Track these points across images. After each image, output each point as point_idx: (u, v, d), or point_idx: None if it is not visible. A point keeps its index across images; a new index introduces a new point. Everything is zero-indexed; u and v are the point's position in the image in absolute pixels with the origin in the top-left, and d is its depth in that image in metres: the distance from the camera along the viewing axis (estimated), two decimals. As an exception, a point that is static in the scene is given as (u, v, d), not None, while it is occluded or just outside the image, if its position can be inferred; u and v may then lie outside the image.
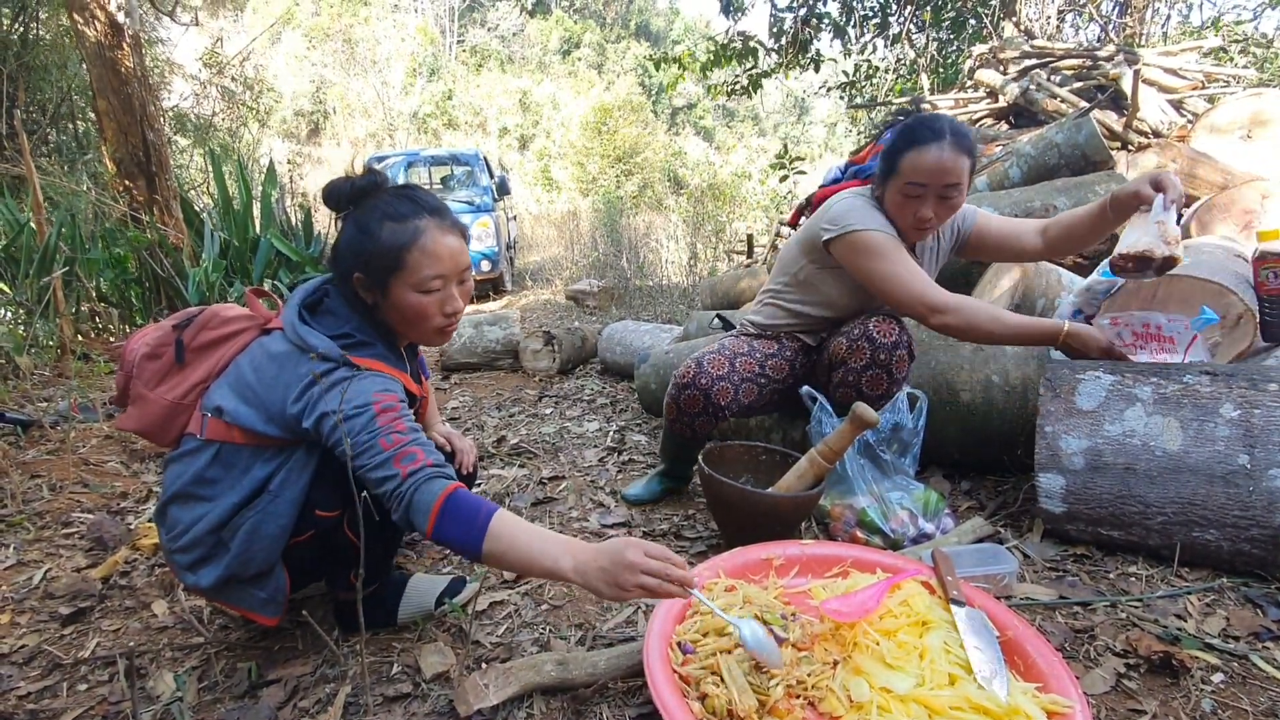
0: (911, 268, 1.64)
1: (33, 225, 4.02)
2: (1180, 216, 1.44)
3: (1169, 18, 7.41)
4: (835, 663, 1.10)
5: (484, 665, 1.27)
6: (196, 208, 5.66)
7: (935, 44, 8.21)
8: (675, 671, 1.09)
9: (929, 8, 7.85)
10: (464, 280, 1.28)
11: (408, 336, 1.33)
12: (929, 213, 1.62)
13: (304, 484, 1.19)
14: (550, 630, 1.39)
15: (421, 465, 1.10)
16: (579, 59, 31.20)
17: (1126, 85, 3.83)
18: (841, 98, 9.45)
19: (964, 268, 2.58)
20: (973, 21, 7.68)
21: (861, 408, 1.52)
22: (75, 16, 4.57)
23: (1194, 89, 4.17)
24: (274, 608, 1.23)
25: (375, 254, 1.19)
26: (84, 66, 5.50)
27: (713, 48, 8.01)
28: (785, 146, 7.72)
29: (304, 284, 1.32)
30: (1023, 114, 4.75)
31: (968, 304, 1.61)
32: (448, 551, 1.76)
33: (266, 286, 4.88)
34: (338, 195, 1.25)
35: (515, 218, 11.03)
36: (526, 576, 1.56)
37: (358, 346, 1.22)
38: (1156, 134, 3.62)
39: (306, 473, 1.19)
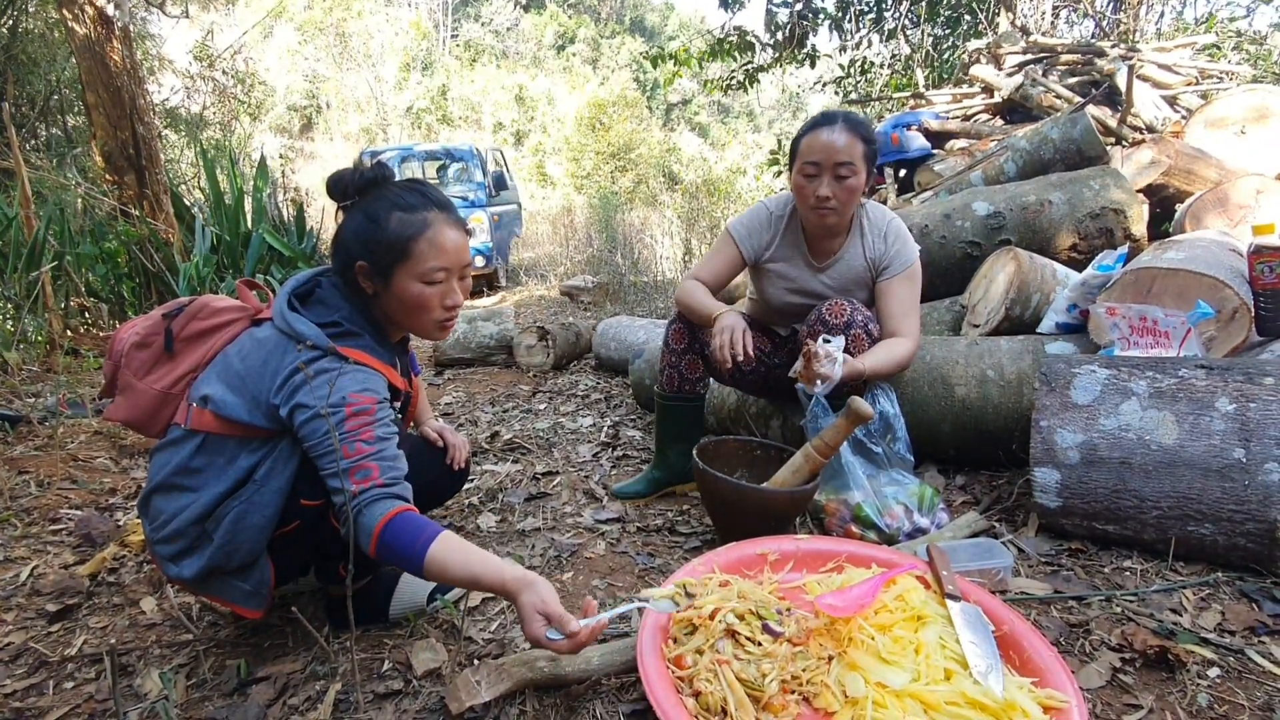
0: (712, 260, 1.96)
1: (21, 220, 3.98)
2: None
3: (1163, 14, 7.42)
4: (830, 658, 1.09)
5: (476, 662, 1.26)
6: (187, 202, 5.61)
7: (930, 39, 8.21)
8: (669, 667, 1.08)
9: (924, 3, 7.84)
10: (464, 276, 1.29)
11: (405, 329, 1.33)
12: (826, 191, 1.72)
13: (289, 474, 1.17)
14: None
15: (371, 485, 1.08)
16: (573, 54, 31.11)
17: (1121, 81, 3.82)
18: (837, 93, 9.45)
19: (959, 260, 2.58)
20: (968, 17, 7.68)
21: (856, 402, 1.52)
22: (64, 10, 4.52)
23: (1188, 85, 4.17)
24: (258, 600, 1.22)
25: (383, 243, 1.20)
26: (73, 60, 5.44)
27: (709, 42, 7.99)
28: (779, 143, 7.72)
29: (298, 274, 1.31)
30: (1018, 109, 4.75)
31: (684, 284, 1.93)
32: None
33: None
34: (343, 185, 1.25)
35: (521, 206, 10.64)
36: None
37: (345, 336, 1.20)
38: (1151, 129, 3.62)
39: (292, 462, 1.17)
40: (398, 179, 1.29)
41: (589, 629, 1.02)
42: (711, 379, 2.04)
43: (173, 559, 1.18)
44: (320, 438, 1.10)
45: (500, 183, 8.65)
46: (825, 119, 1.75)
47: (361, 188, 1.25)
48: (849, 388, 1.81)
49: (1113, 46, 4.67)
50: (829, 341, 1.64)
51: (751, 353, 1.67)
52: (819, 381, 1.59)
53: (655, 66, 8.27)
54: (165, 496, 1.18)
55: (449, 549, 1.06)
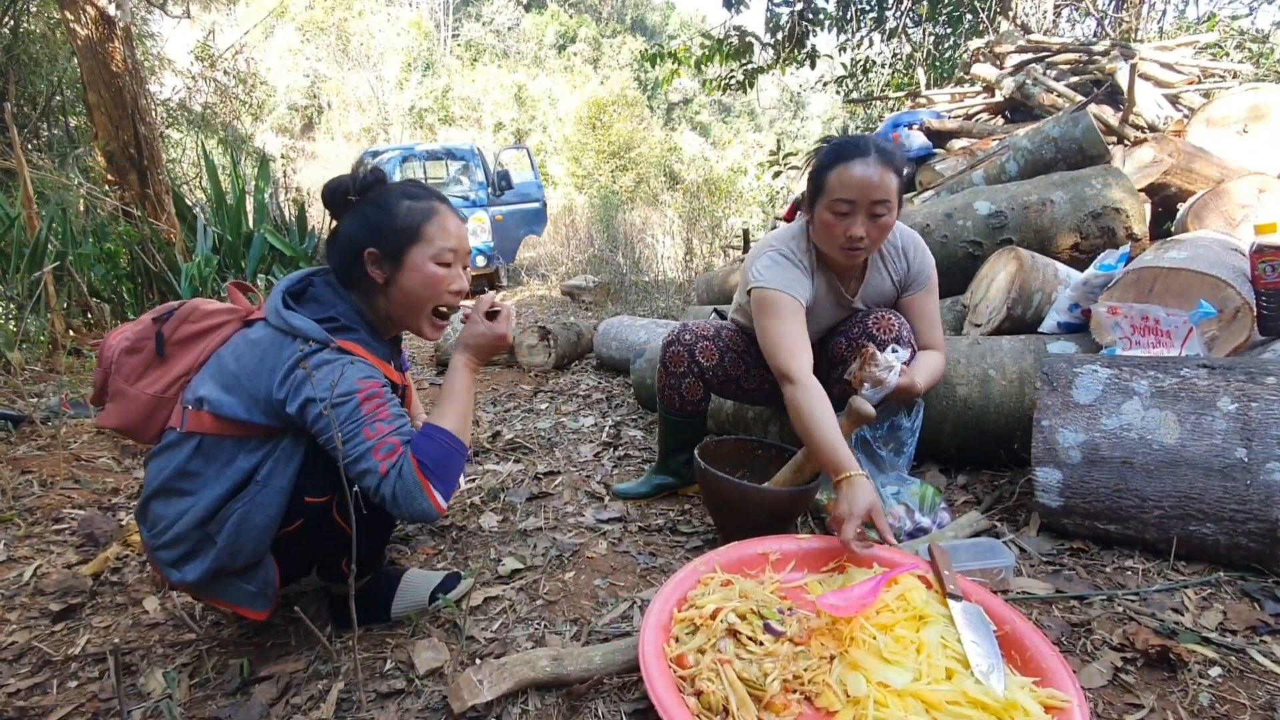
0: (792, 334, 1.62)
1: (23, 220, 3.99)
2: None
3: (1165, 12, 7.42)
4: (832, 657, 1.09)
5: (478, 661, 1.27)
6: (189, 202, 5.62)
7: (931, 38, 8.21)
8: (671, 666, 1.08)
9: (925, 2, 7.84)
10: (465, 265, 1.35)
11: (404, 323, 1.34)
12: (860, 231, 1.56)
13: (292, 473, 1.17)
14: (545, 626, 1.39)
15: (396, 458, 1.12)
16: (574, 54, 31.12)
17: (1123, 80, 3.82)
18: (838, 93, 9.45)
19: (961, 260, 2.58)
20: (969, 16, 7.67)
21: (858, 401, 1.52)
22: (66, 11, 4.53)
23: (1190, 84, 4.17)
24: (263, 601, 1.21)
25: (394, 227, 1.25)
26: (75, 60, 5.45)
27: (708, 42, 7.98)
28: (779, 143, 7.71)
29: (291, 275, 1.32)
30: (1019, 109, 4.75)
31: (807, 392, 1.52)
32: (442, 547, 1.76)
33: (260, 282, 4.86)
34: (343, 189, 1.28)
35: (544, 204, 9.45)
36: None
37: (341, 330, 1.22)
38: (1152, 128, 3.62)
39: (295, 461, 1.17)
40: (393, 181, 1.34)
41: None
42: (714, 394, 2.00)
43: (175, 564, 1.17)
44: (341, 425, 1.11)
45: (506, 182, 8.61)
46: (856, 149, 1.56)
47: (362, 189, 1.29)
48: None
49: (1113, 46, 4.67)
50: (896, 352, 1.60)
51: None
52: (867, 385, 1.56)
53: (654, 66, 8.25)
54: (164, 501, 1.17)
55: (447, 419, 1.21)
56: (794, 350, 1.59)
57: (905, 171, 1.60)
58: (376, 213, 1.26)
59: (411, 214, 1.26)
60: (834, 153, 1.60)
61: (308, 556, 1.29)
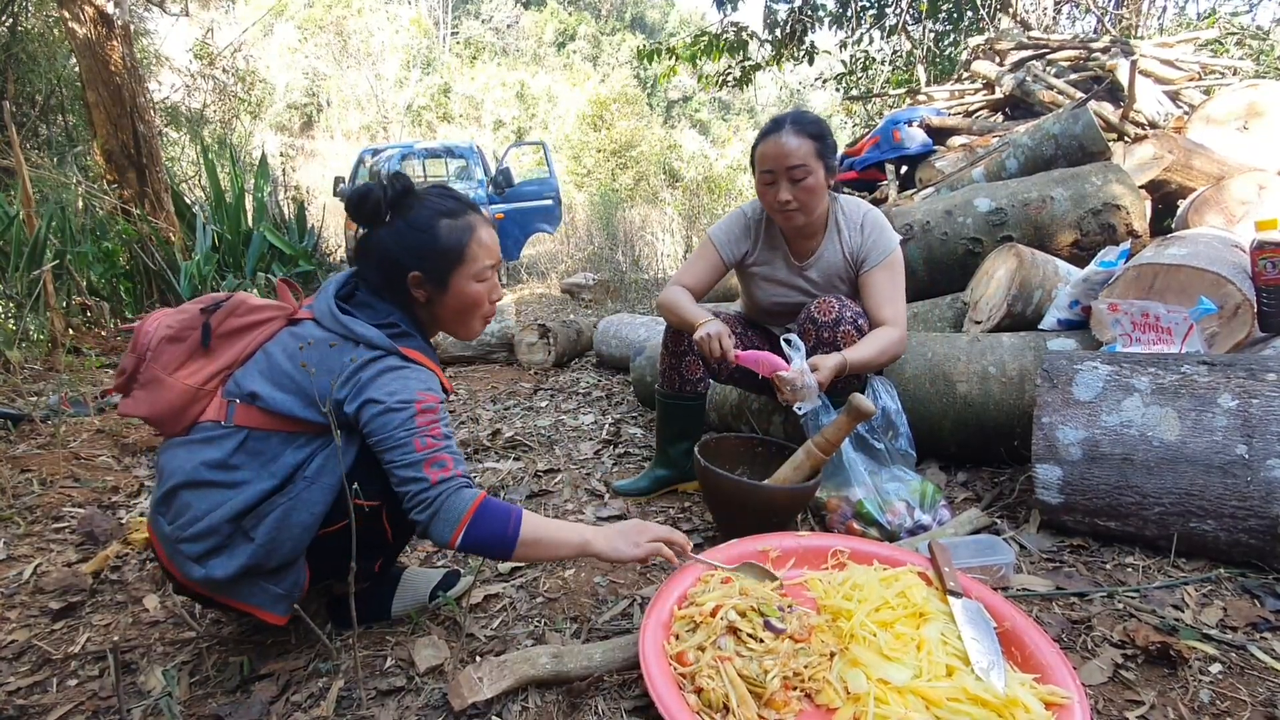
0: (694, 265, 1.97)
1: (22, 219, 3.99)
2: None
3: (1165, 9, 7.41)
4: (832, 654, 1.09)
5: (478, 658, 1.26)
6: (188, 201, 5.61)
7: (932, 35, 8.19)
8: (671, 664, 1.08)
9: (925, -1, 7.83)
10: (498, 269, 1.34)
11: (448, 330, 1.35)
12: (786, 195, 1.74)
13: (341, 472, 1.15)
14: (545, 623, 1.39)
15: (452, 474, 1.12)
16: (574, 51, 31.09)
17: (1123, 77, 3.82)
18: (837, 89, 9.43)
19: (961, 257, 2.58)
20: (969, 13, 7.66)
21: (858, 399, 1.52)
22: (64, 10, 4.52)
23: (1190, 80, 4.16)
24: (286, 604, 1.18)
25: (438, 251, 1.24)
26: (73, 58, 5.44)
27: (705, 39, 7.96)
28: None
29: (335, 276, 1.31)
30: (1019, 105, 4.74)
31: (669, 291, 1.92)
32: (442, 545, 1.75)
33: (259, 280, 4.86)
34: (374, 204, 1.24)
35: (557, 201, 9.10)
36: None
37: (403, 337, 1.22)
38: (1153, 125, 3.62)
39: (346, 460, 1.15)
40: (425, 186, 1.32)
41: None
42: (712, 379, 2.04)
43: (199, 558, 1.13)
44: (392, 430, 1.11)
45: (507, 179, 8.56)
46: (774, 124, 1.77)
47: (393, 204, 1.26)
48: (842, 384, 1.80)
49: (1113, 42, 4.66)
50: (789, 343, 1.63)
51: (731, 356, 1.67)
52: (801, 404, 1.61)
53: (650, 62, 8.22)
54: (195, 492, 1.13)
55: (535, 525, 1.16)
56: (683, 274, 1.96)
57: (827, 136, 1.76)
58: (417, 235, 1.24)
59: (453, 234, 1.24)
60: (761, 130, 1.81)
61: (342, 560, 1.25)
